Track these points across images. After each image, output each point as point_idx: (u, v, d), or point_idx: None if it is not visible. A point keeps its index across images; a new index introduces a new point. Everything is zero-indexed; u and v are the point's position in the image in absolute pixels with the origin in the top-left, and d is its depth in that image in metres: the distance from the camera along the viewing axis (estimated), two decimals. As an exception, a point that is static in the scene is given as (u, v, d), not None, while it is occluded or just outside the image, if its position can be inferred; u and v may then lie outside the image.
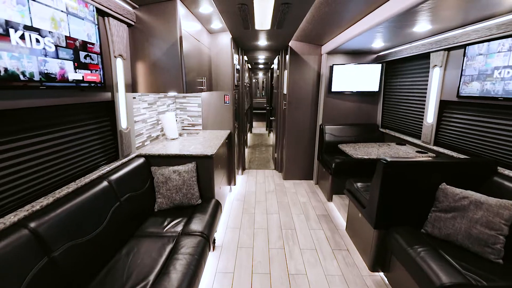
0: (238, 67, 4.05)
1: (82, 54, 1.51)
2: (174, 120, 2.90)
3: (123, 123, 2.02)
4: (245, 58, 5.04)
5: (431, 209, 1.86)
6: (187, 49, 2.24)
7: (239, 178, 4.25)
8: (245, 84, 5.36)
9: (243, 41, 3.62)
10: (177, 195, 2.13)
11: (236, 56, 3.77)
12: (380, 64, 3.41)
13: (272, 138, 6.38)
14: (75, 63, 1.47)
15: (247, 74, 6.69)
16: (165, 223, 1.95)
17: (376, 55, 3.54)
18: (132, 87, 2.19)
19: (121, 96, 1.99)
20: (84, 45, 1.54)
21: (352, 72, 3.49)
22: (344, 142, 3.48)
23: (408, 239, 1.75)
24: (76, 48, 1.47)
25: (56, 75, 1.34)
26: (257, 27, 2.72)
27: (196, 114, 3.49)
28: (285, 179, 4.19)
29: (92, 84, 1.62)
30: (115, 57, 1.87)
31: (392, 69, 3.35)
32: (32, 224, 1.16)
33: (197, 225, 1.91)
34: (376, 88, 3.50)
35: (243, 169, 4.57)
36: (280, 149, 4.38)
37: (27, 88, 1.20)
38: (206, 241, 1.78)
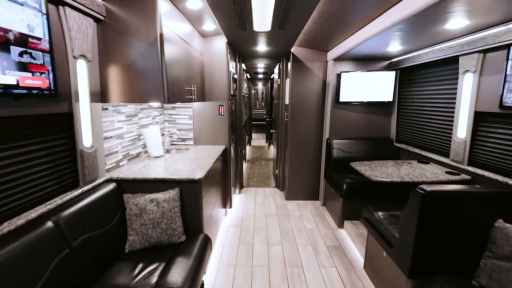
0: (235, 75, 3.68)
1: (15, 50, 1.11)
2: (159, 135, 2.49)
3: (85, 140, 1.60)
4: (243, 66, 4.69)
5: (483, 254, 1.42)
6: (171, 51, 1.85)
7: (236, 198, 3.79)
8: (243, 94, 4.99)
9: (240, 46, 3.26)
10: (154, 231, 1.68)
11: (233, 63, 3.40)
12: (394, 72, 3.03)
13: (272, 151, 5.95)
14: (4, 63, 1.07)
15: (245, 84, 6.34)
16: (136, 271, 1.50)
17: (388, 61, 3.17)
18: (101, 95, 1.78)
19: (84, 107, 1.57)
20: (23, 39, 1.15)
21: (362, 81, 3.11)
22: (355, 158, 3.07)
23: (459, 298, 1.30)
24: (7, 42, 1.08)
25: (-36, 76, 0.93)
26: (255, 28, 2.35)
27: (186, 127, 3.08)
28: (288, 199, 3.73)
29: (35, 91, 1.22)
30: (74, 57, 1.47)
31: (409, 76, 2.97)
32: None
33: (177, 274, 1.45)
34: (389, 98, 3.11)
35: (241, 187, 4.12)
36: (282, 165, 3.94)
37: None
38: (187, 301, 1.32)
